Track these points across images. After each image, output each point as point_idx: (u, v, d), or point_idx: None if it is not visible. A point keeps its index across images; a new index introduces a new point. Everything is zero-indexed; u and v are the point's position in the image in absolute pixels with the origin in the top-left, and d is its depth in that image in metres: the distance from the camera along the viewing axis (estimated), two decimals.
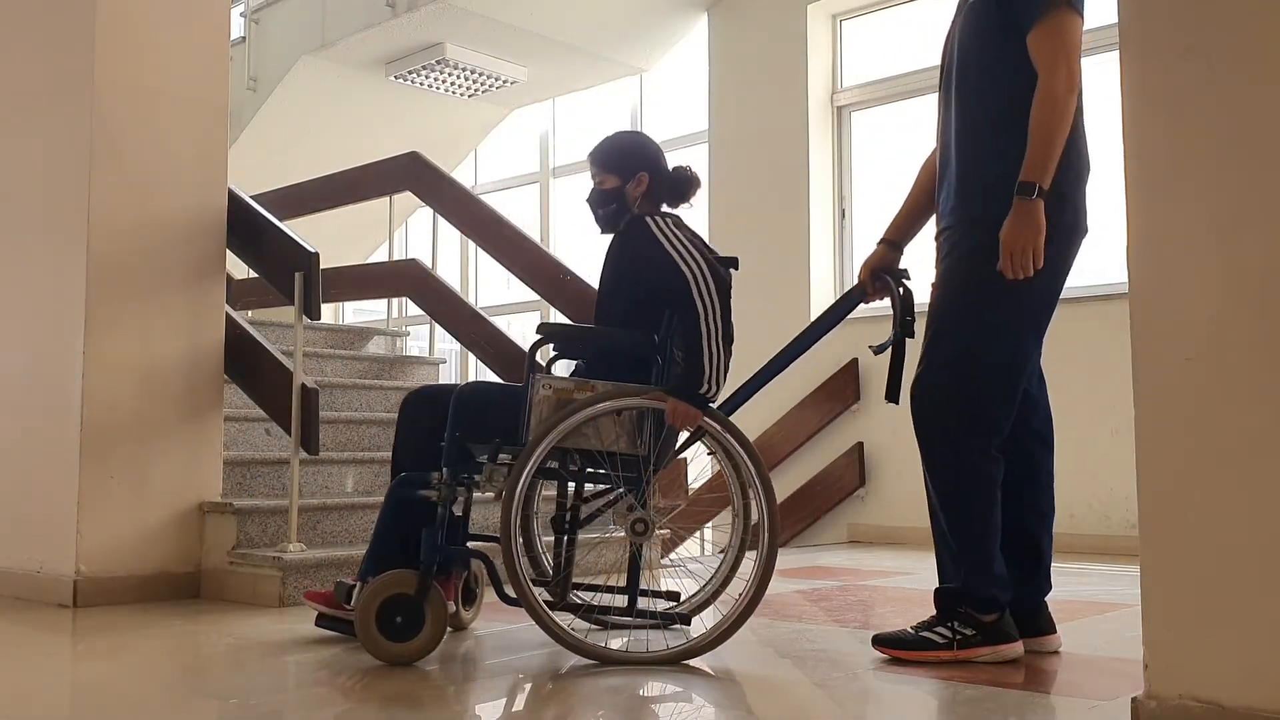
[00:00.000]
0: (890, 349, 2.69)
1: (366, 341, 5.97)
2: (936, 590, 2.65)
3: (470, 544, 2.78)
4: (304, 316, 3.76)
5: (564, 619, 2.58)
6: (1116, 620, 3.16)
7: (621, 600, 2.79)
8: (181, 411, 3.65)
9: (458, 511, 2.69)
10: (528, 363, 2.68)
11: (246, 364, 3.91)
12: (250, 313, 5.40)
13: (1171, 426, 1.78)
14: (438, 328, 5.79)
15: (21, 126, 3.88)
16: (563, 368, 3.03)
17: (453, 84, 7.96)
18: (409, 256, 7.22)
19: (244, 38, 8.07)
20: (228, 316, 3.85)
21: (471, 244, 6.12)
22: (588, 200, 2.93)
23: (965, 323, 2.61)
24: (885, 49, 6.44)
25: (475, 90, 8.08)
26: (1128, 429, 1.84)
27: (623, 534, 2.63)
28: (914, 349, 2.70)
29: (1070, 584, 4.06)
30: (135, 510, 3.52)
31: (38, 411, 3.66)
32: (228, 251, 3.89)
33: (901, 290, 2.74)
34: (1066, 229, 2.56)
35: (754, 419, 6.57)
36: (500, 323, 5.74)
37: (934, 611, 2.62)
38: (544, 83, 8.15)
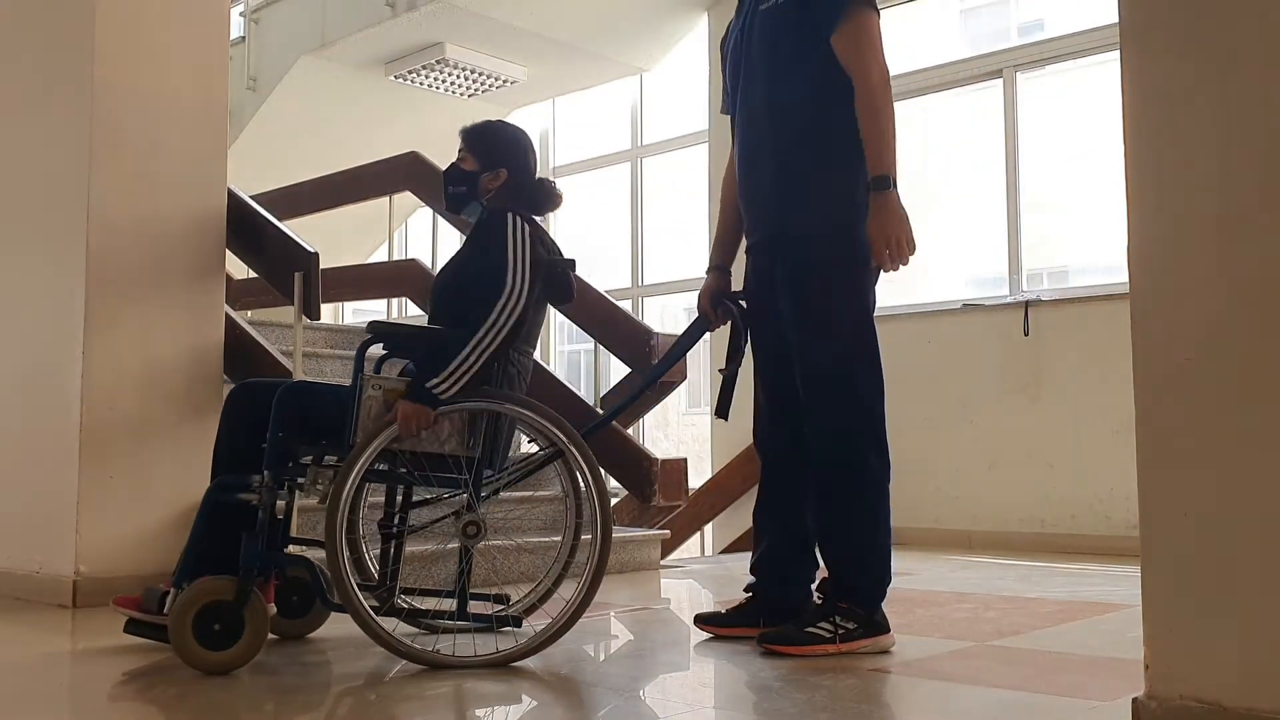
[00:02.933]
0: (727, 371, 2.81)
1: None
2: (760, 598, 2.78)
3: (292, 548, 2.68)
4: (304, 316, 3.76)
5: (390, 624, 2.50)
6: (1116, 620, 3.16)
7: (451, 604, 2.71)
8: (181, 411, 3.64)
9: (279, 515, 2.57)
10: (356, 362, 2.59)
11: (246, 364, 3.90)
12: (250, 313, 5.39)
13: (1171, 426, 1.78)
14: None
15: (21, 126, 3.88)
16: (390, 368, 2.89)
17: (453, 84, 7.96)
18: (409, 256, 7.23)
19: (244, 37, 8.06)
20: (228, 316, 3.85)
21: None
22: (444, 172, 2.87)
23: (842, 329, 2.66)
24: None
25: (475, 90, 8.08)
26: (1128, 429, 1.84)
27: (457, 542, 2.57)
28: None
29: (1070, 584, 4.06)
30: (135, 510, 3.52)
31: (37, 411, 3.66)
32: (228, 251, 3.88)
33: (739, 311, 2.84)
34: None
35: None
36: None
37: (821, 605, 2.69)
38: (544, 83, 8.15)
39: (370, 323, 2.67)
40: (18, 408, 3.75)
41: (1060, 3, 7.74)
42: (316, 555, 2.60)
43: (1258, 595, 1.68)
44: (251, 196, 4.22)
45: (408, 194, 5.84)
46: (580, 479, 2.62)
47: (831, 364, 2.67)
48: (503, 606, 2.81)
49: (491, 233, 2.66)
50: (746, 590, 2.94)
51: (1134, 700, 1.76)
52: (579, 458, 2.59)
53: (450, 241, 7.79)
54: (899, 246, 2.54)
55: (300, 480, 2.54)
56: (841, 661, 2.59)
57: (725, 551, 6.39)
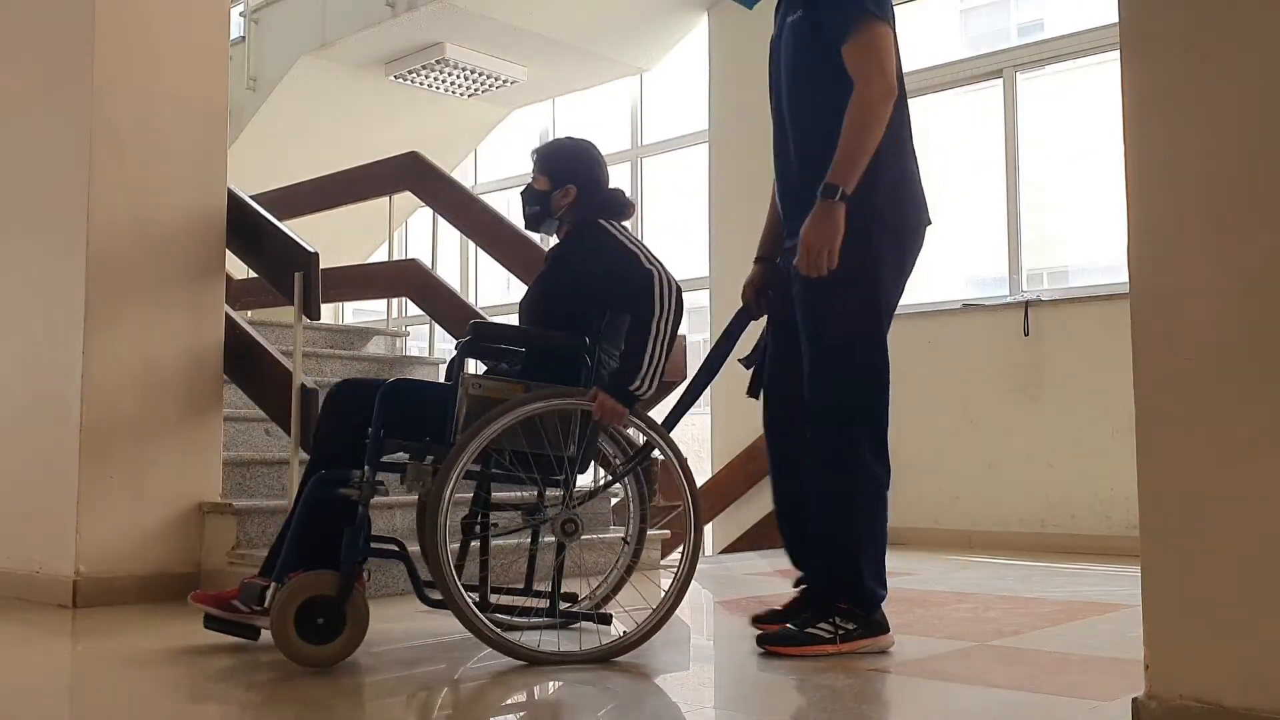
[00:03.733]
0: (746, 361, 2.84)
1: (366, 341, 5.96)
2: (812, 588, 2.75)
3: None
4: (304, 316, 3.75)
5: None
6: (1116, 620, 3.16)
7: (524, 601, 2.79)
8: (181, 411, 3.64)
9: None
10: (459, 361, 2.65)
11: (246, 364, 3.90)
12: (250, 313, 5.39)
13: (1171, 426, 1.78)
14: (438, 328, 5.79)
15: (21, 126, 3.88)
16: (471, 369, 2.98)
17: (453, 84, 7.96)
18: (409, 256, 7.22)
19: (244, 37, 8.06)
20: (227, 316, 3.85)
21: (471, 244, 6.12)
22: (521, 194, 2.94)
23: (845, 334, 2.66)
24: None
25: (475, 90, 8.08)
26: (1128, 429, 1.84)
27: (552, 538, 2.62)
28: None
29: (1070, 584, 4.06)
30: (135, 510, 3.52)
31: (37, 411, 3.66)
32: (228, 251, 3.88)
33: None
34: (897, 228, 2.66)
35: (754, 419, 6.56)
36: (501, 322, 5.73)
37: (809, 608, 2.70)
38: (544, 83, 8.15)
39: (474, 323, 2.74)
40: (18, 408, 3.75)
41: (1060, 3, 7.73)
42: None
43: (1258, 595, 1.68)
44: (251, 196, 4.21)
45: (408, 194, 5.83)
46: (678, 473, 2.70)
47: (833, 366, 2.67)
48: (570, 604, 2.89)
49: (588, 243, 2.75)
50: (796, 585, 2.92)
51: (1134, 700, 1.76)
52: (672, 453, 2.67)
53: (451, 242, 7.79)
54: (820, 256, 2.54)
55: (380, 477, 2.56)
56: (841, 661, 2.59)
57: (725, 551, 6.39)
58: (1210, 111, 1.78)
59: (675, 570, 2.72)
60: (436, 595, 2.51)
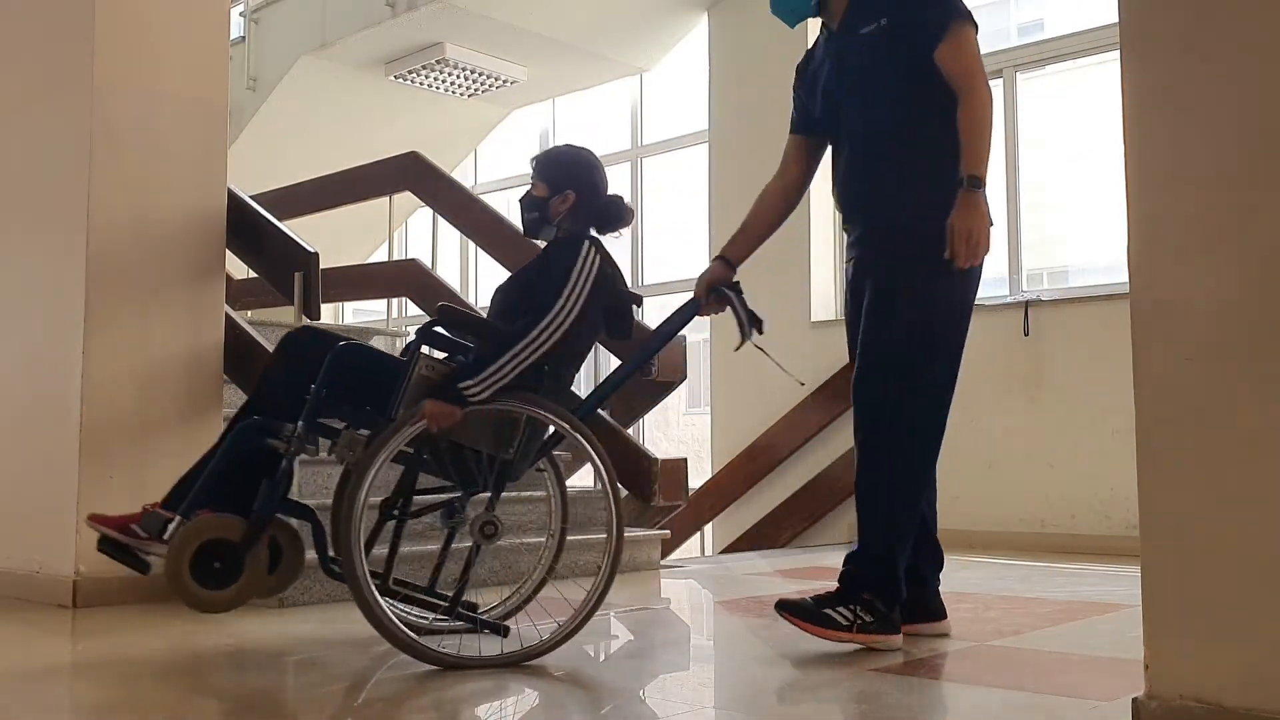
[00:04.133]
0: (747, 341, 2.85)
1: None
2: (846, 571, 2.74)
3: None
4: (304, 316, 3.75)
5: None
6: (1116, 620, 3.16)
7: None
8: (181, 411, 3.64)
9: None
10: (417, 339, 2.59)
11: (246, 364, 3.90)
12: (250, 313, 5.39)
13: (1171, 426, 1.78)
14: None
15: (21, 126, 3.88)
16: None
17: (453, 84, 7.96)
18: (409, 256, 7.22)
19: (244, 37, 8.06)
20: (228, 316, 3.85)
21: (471, 244, 6.12)
22: (519, 200, 2.92)
23: (902, 321, 2.74)
24: None
25: (475, 90, 8.08)
26: (1128, 429, 1.84)
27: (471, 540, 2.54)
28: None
29: (1070, 584, 4.06)
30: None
31: (37, 411, 3.66)
32: (228, 251, 3.88)
33: (735, 294, 2.89)
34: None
35: (754, 419, 6.59)
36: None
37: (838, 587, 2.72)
38: (544, 83, 8.15)
39: (442, 305, 2.69)
40: (18, 408, 3.75)
41: (1060, 3, 7.73)
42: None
43: (1258, 595, 1.68)
44: (251, 196, 4.21)
45: (408, 194, 5.84)
46: (595, 463, 2.62)
47: (886, 352, 2.76)
48: (474, 612, 2.76)
49: (563, 255, 2.71)
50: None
51: (1134, 700, 1.76)
52: (584, 441, 2.58)
53: (451, 242, 7.79)
54: (976, 243, 2.66)
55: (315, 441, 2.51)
56: (842, 661, 2.59)
57: (725, 551, 6.39)
58: (1210, 111, 1.78)
59: (596, 576, 2.58)
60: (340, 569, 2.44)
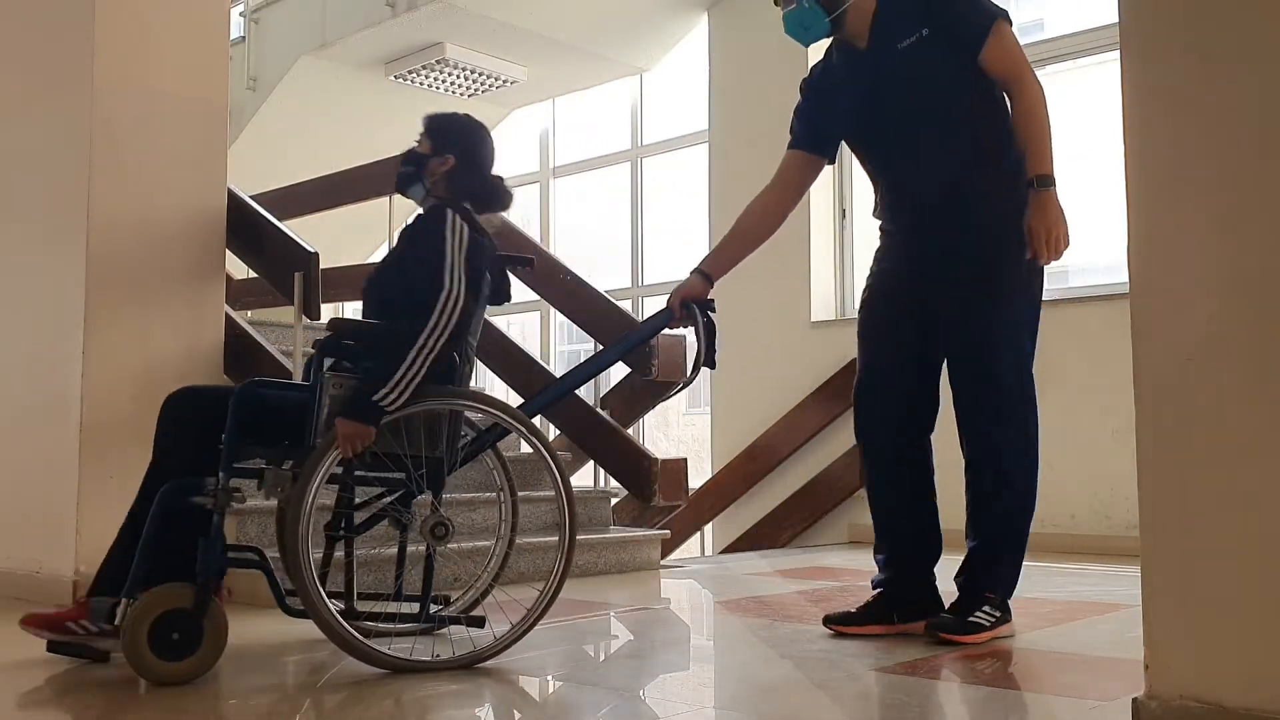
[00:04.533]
0: (691, 381, 2.88)
1: None
2: (966, 578, 2.86)
3: (231, 554, 2.56)
4: (304, 316, 3.75)
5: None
6: (1116, 620, 3.16)
7: (392, 608, 2.68)
8: None
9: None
10: (315, 360, 2.53)
11: (246, 364, 3.90)
12: (250, 313, 5.39)
13: (1171, 426, 1.78)
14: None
15: (21, 126, 3.88)
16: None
17: (453, 84, 7.96)
18: None
19: (244, 37, 8.06)
20: (227, 316, 3.85)
21: None
22: (400, 154, 2.87)
23: (1008, 325, 2.81)
24: None
25: (475, 90, 8.08)
26: (1128, 429, 1.84)
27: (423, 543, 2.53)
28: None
29: (1070, 584, 4.06)
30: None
31: (37, 411, 3.66)
32: (228, 251, 3.88)
33: (705, 320, 2.86)
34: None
35: (754, 419, 6.58)
36: (500, 323, 5.73)
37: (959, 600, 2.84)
38: (544, 83, 8.15)
39: (333, 319, 2.60)
40: (17, 407, 3.75)
41: (1060, 3, 7.73)
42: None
43: (1258, 595, 1.68)
44: (251, 196, 4.21)
45: None
46: (544, 457, 2.58)
47: (1012, 366, 2.81)
48: (441, 607, 2.76)
49: (428, 229, 2.63)
50: (875, 586, 3.00)
51: (1134, 700, 1.76)
52: (532, 436, 2.55)
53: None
54: (1057, 240, 2.72)
55: (240, 484, 2.46)
56: (842, 661, 2.59)
57: (725, 551, 6.39)
58: (1210, 111, 1.78)
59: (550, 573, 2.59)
60: (299, 604, 2.43)
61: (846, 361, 6.01)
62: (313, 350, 2.66)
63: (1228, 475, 1.72)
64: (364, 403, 2.39)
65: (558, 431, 5.36)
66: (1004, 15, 2.79)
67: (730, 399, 6.79)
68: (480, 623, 2.63)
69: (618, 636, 3.15)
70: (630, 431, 5.14)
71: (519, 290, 6.89)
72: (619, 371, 5.48)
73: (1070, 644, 2.86)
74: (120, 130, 3.60)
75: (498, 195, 2.81)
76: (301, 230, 4.20)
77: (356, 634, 2.40)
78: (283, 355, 4.01)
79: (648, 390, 4.95)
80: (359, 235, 8.33)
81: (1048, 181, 2.71)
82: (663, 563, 4.61)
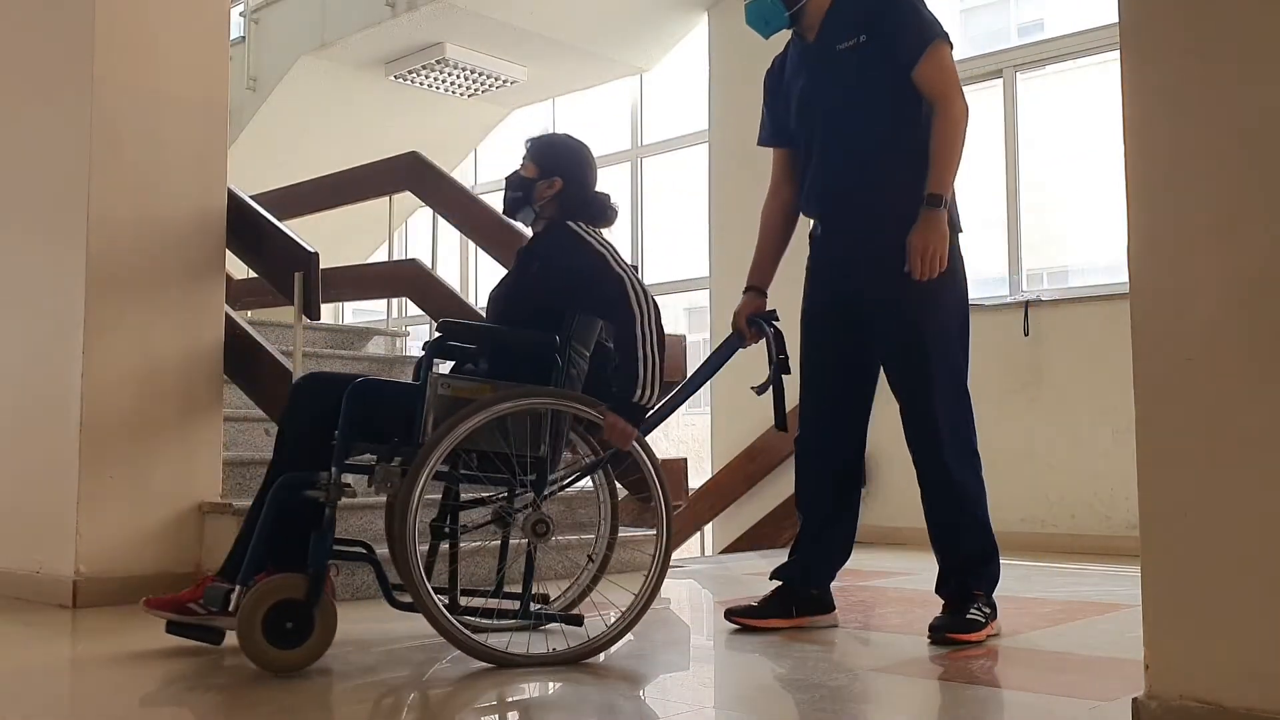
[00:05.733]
0: (771, 385, 2.95)
1: (366, 341, 5.96)
2: (955, 582, 2.88)
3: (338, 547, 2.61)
4: (304, 316, 3.75)
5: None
6: (1116, 620, 3.16)
7: (495, 603, 2.73)
8: (181, 411, 3.64)
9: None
10: (425, 361, 2.61)
11: (246, 364, 3.90)
12: (250, 313, 5.40)
13: (1171, 426, 1.78)
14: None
15: (20, 126, 3.88)
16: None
17: (453, 84, 7.95)
18: (409, 256, 7.22)
19: (244, 37, 8.06)
20: (228, 316, 3.85)
21: (471, 244, 6.12)
22: (505, 179, 2.93)
23: (947, 332, 2.87)
24: None
25: (475, 90, 8.08)
26: (1129, 429, 1.84)
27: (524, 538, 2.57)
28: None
29: (1070, 584, 4.06)
30: (135, 511, 3.52)
31: (37, 411, 3.66)
32: (228, 251, 3.88)
33: (772, 331, 2.99)
34: (957, 232, 2.88)
35: (754, 419, 6.58)
36: None
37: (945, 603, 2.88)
38: (544, 83, 8.14)
39: (443, 321, 2.72)
40: (18, 407, 3.75)
41: (1060, 3, 7.73)
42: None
43: (1258, 595, 1.68)
44: (251, 196, 4.21)
45: (408, 194, 5.84)
46: (649, 478, 2.64)
47: (945, 367, 2.87)
48: (541, 605, 2.84)
49: (558, 241, 2.72)
50: (774, 577, 3.07)
51: (1134, 700, 1.76)
52: (645, 456, 2.63)
53: (450, 242, 7.78)
54: (934, 259, 2.76)
55: (348, 479, 2.53)
56: (841, 661, 2.59)
57: (725, 551, 6.39)
58: (1211, 111, 1.78)
59: (647, 572, 2.67)
60: (406, 598, 2.47)
61: None
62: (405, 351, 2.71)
63: (1227, 475, 1.72)
64: (630, 407, 2.55)
65: None
66: (944, 37, 2.85)
67: (730, 399, 6.79)
68: (578, 621, 2.71)
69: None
70: None
71: None
72: None
73: (1070, 644, 2.86)
74: (120, 130, 3.60)
75: (604, 212, 2.87)
76: (301, 230, 4.20)
77: (462, 628, 2.45)
78: (283, 355, 4.01)
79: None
80: (359, 235, 8.34)
81: (938, 201, 2.76)
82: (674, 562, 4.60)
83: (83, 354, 3.46)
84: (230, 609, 2.43)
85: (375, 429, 2.54)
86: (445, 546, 2.87)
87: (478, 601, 2.75)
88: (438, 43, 7.41)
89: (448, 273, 7.96)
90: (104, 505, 3.46)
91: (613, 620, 2.60)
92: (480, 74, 7.78)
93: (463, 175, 9.00)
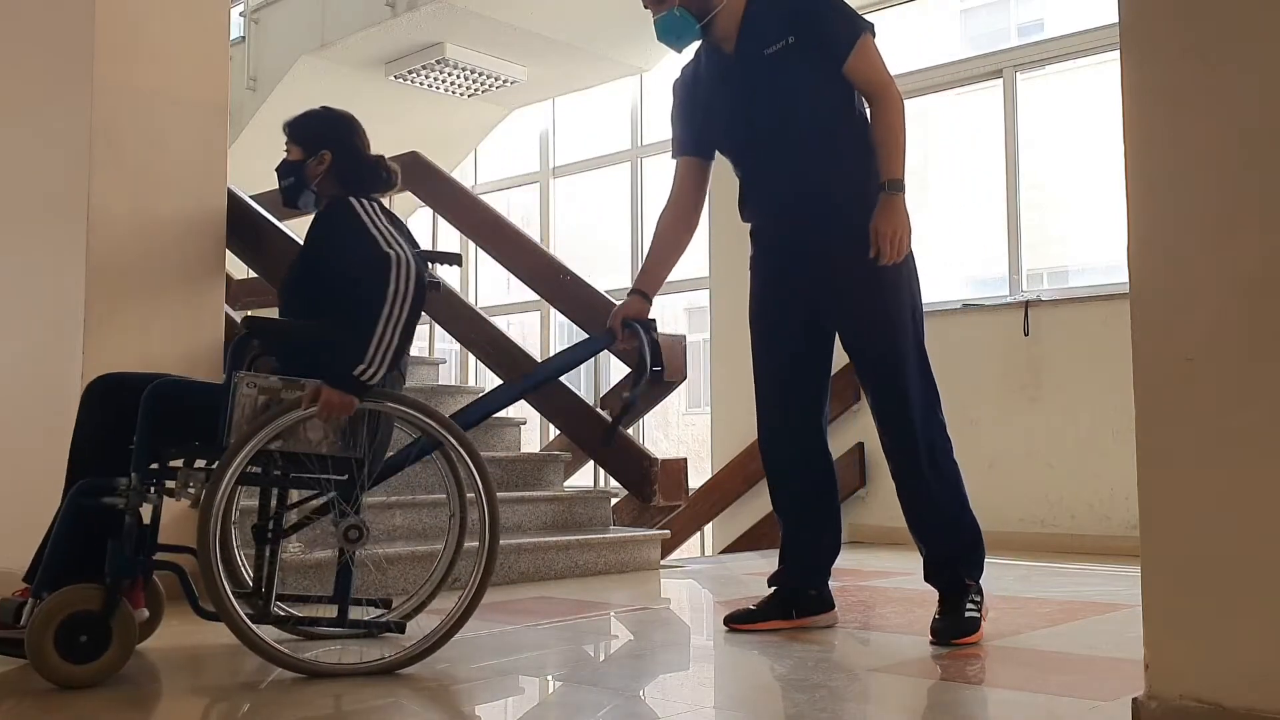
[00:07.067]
0: (630, 398, 2.94)
1: None
2: (947, 573, 2.87)
3: (161, 554, 2.48)
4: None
5: (268, 633, 2.43)
6: (1116, 620, 3.16)
7: (332, 610, 2.63)
8: None
9: (146, 519, 2.42)
10: (228, 361, 2.50)
11: (246, 365, 3.89)
12: (250, 313, 5.39)
13: (1171, 426, 1.78)
14: (437, 328, 5.79)
15: (21, 126, 3.88)
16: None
17: (453, 84, 7.95)
18: None
19: (244, 37, 8.06)
20: (227, 316, 3.85)
21: (471, 244, 6.12)
22: (276, 170, 2.82)
23: (904, 316, 2.89)
24: (883, 49, 6.43)
25: (475, 90, 8.08)
26: (1128, 429, 1.84)
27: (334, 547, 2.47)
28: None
29: (1070, 584, 4.06)
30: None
31: (37, 411, 3.66)
32: (228, 251, 3.88)
33: (650, 339, 2.92)
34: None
35: (754, 419, 6.57)
36: (500, 323, 5.73)
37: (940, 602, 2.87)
38: (544, 82, 8.15)
39: (246, 318, 2.60)
40: (18, 407, 3.75)
41: (1060, 3, 7.73)
42: (186, 561, 2.47)
43: (1258, 595, 1.68)
44: (251, 196, 4.21)
45: (408, 194, 5.84)
46: (468, 472, 2.54)
47: (911, 360, 2.90)
48: (382, 611, 2.74)
49: (334, 221, 2.60)
50: (771, 584, 3.05)
51: (1134, 700, 1.76)
52: (461, 450, 2.52)
53: (450, 242, 7.79)
54: (900, 242, 2.79)
55: (170, 483, 2.43)
56: (841, 661, 2.59)
57: (725, 551, 6.39)
58: (1210, 111, 1.78)
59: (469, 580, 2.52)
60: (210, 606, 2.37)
61: (846, 361, 6.01)
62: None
63: (1228, 475, 1.72)
64: (345, 375, 2.38)
65: (558, 431, 5.36)
66: (869, 29, 2.88)
67: (730, 399, 6.79)
68: (400, 628, 2.62)
69: (618, 636, 3.15)
70: (630, 432, 5.14)
71: (519, 290, 6.91)
72: (619, 372, 5.48)
73: (1070, 644, 2.86)
74: (120, 130, 3.60)
75: (385, 176, 2.80)
76: (301, 230, 4.19)
77: (262, 637, 2.34)
78: None
79: (649, 391, 4.95)
80: None
81: (898, 186, 2.80)
82: (663, 563, 4.61)
83: (83, 354, 3.45)
84: (20, 623, 2.33)
85: (178, 431, 2.43)
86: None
87: (307, 609, 2.65)
88: (438, 43, 7.41)
89: (448, 273, 7.96)
90: None
91: (433, 629, 2.48)
92: (480, 74, 7.78)
93: (463, 175, 8.99)
